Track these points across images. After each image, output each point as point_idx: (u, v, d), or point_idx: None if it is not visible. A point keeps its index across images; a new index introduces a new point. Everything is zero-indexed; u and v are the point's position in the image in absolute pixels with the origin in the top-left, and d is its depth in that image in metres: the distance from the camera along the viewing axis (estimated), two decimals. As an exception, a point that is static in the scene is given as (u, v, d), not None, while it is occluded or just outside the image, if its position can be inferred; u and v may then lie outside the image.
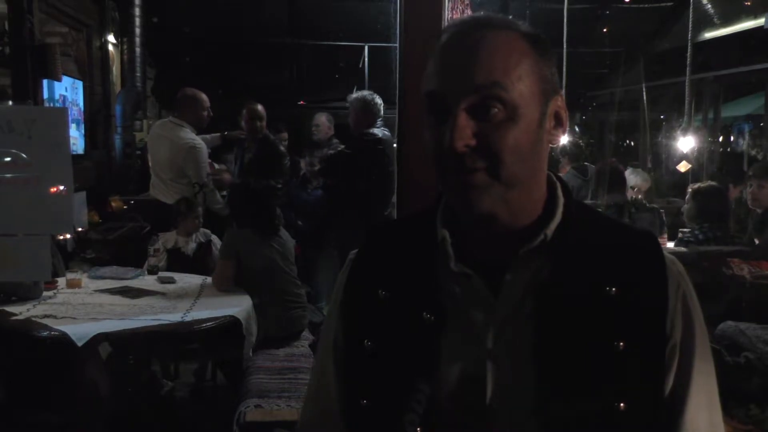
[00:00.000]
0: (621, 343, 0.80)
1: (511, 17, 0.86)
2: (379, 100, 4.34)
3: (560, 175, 0.93)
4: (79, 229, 4.04)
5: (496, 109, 0.78)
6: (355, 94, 4.39)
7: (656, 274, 0.85)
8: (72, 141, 5.33)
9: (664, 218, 4.47)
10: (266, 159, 4.77)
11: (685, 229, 4.13)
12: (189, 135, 4.49)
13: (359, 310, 0.93)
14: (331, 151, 4.89)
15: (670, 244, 4.17)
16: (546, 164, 0.87)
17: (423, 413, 0.84)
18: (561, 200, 0.88)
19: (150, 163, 4.83)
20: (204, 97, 4.63)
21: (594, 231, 0.88)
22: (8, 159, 2.14)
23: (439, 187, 0.89)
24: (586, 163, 6.12)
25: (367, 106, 4.29)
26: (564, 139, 6.15)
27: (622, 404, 0.80)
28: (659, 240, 0.90)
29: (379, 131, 4.29)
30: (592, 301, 0.82)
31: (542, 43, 0.83)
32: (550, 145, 0.86)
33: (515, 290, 0.84)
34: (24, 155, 2.14)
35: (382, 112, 4.35)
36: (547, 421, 0.80)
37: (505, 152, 0.79)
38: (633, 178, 5.38)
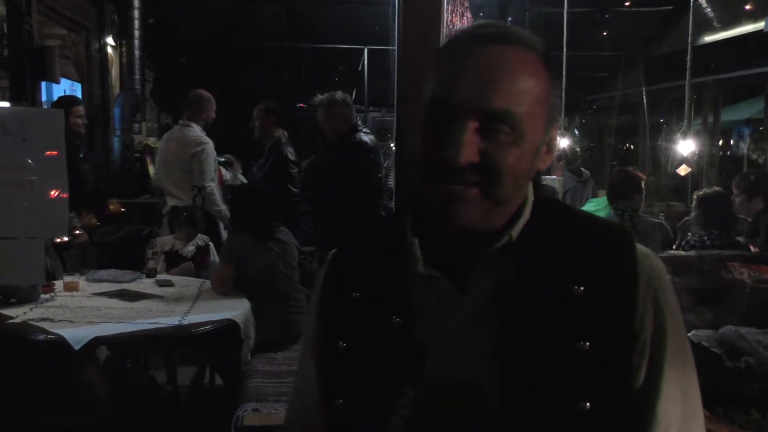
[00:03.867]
0: (586, 343, 0.79)
1: (523, 28, 0.85)
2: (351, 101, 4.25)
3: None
4: (77, 232, 4.03)
5: (504, 133, 0.79)
6: (326, 96, 4.18)
7: (626, 270, 0.83)
8: (70, 144, 5.29)
9: (669, 230, 4.35)
10: (272, 165, 4.69)
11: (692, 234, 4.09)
12: (196, 133, 4.49)
13: (334, 310, 0.94)
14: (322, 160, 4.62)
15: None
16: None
17: (408, 415, 0.83)
18: (530, 199, 0.88)
19: (160, 172, 4.74)
20: (212, 99, 4.60)
21: (564, 229, 0.87)
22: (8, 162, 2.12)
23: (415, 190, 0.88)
24: (581, 168, 6.15)
25: (348, 108, 4.18)
26: (563, 143, 6.19)
27: (587, 404, 0.79)
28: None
29: (365, 136, 4.17)
30: (556, 301, 0.81)
31: (552, 65, 0.85)
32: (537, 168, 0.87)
33: (480, 292, 0.84)
34: (29, 159, 2.12)
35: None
36: (510, 422, 0.80)
37: (504, 175, 0.79)
38: None
